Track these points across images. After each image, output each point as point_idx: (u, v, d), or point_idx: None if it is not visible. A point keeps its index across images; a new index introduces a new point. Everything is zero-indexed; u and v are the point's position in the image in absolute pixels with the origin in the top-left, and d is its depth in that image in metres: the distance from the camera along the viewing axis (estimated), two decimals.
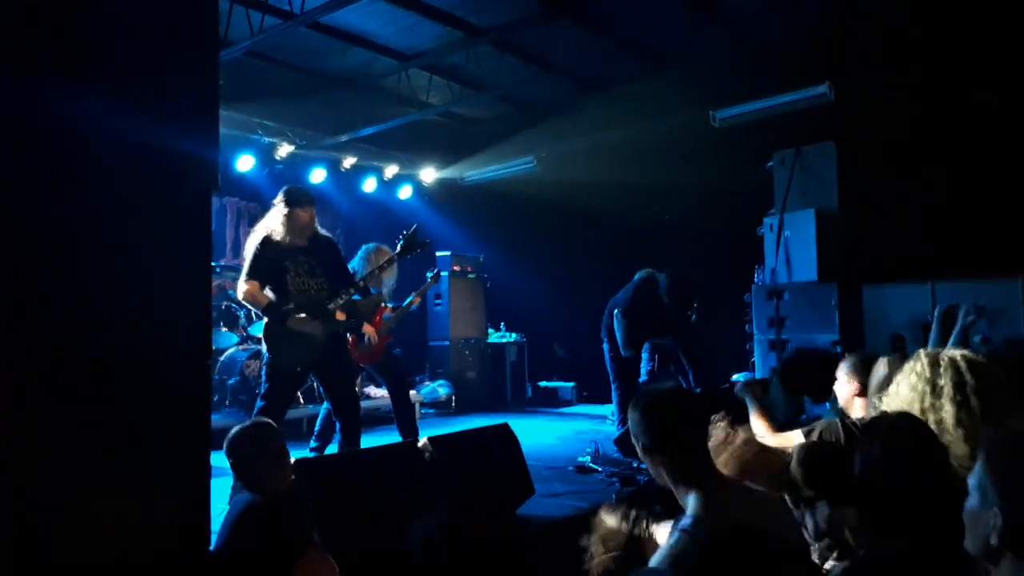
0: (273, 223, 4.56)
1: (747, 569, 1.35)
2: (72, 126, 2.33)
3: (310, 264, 4.61)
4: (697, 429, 1.99)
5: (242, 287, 4.54)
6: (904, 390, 2.27)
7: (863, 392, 2.97)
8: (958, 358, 2.22)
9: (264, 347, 4.61)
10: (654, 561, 1.74)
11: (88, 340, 2.37)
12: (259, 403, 4.54)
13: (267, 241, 4.55)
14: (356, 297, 4.75)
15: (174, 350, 2.65)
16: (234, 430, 2.86)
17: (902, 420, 1.92)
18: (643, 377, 6.96)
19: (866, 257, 7.59)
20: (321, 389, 5.14)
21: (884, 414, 2.11)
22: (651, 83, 8.25)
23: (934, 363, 2.24)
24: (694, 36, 7.37)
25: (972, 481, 1.33)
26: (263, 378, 4.61)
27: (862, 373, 3.01)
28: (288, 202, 4.55)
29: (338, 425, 4.74)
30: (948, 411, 2.11)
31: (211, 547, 2.70)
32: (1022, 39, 6.70)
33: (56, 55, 2.36)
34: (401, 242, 4.90)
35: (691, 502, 1.88)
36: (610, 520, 2.16)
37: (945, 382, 2.17)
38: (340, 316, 4.72)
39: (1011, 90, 7.14)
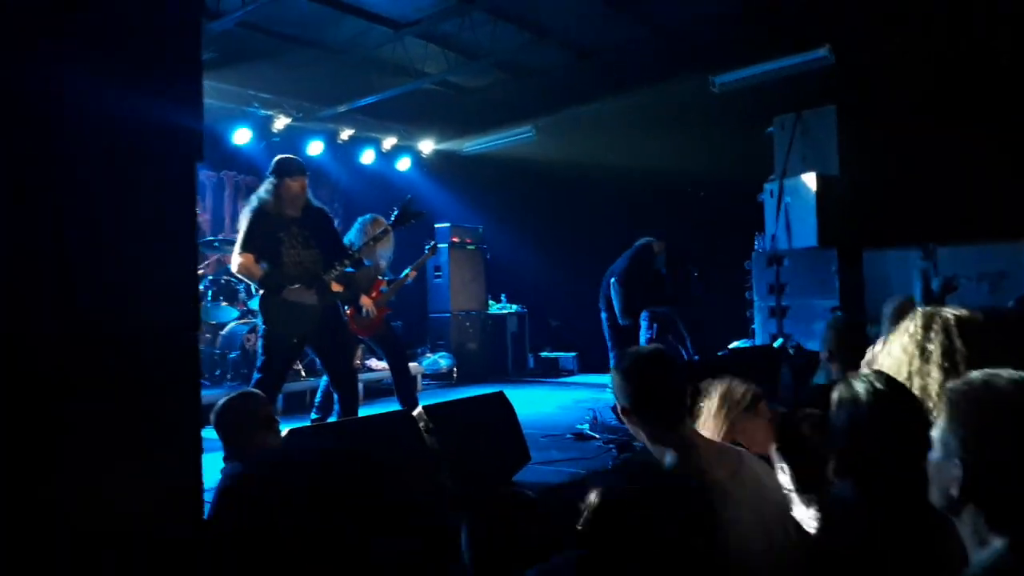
0: (265, 194, 4.54)
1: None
2: (45, 96, 2.29)
3: (304, 235, 4.58)
4: (675, 392, 1.99)
5: (236, 260, 4.53)
6: (896, 350, 2.23)
7: None
8: (951, 321, 2.14)
9: (260, 319, 4.61)
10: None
11: (70, 315, 2.35)
12: (256, 375, 4.55)
13: (260, 213, 4.52)
14: (351, 270, 4.73)
15: (161, 323, 2.63)
16: (221, 401, 2.86)
17: (877, 381, 1.90)
18: (642, 344, 6.97)
19: (867, 222, 7.54)
20: (318, 361, 5.14)
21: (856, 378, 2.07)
22: (649, 48, 8.15)
23: (927, 325, 2.18)
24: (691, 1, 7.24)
25: (935, 434, 1.32)
26: (259, 350, 4.62)
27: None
28: (279, 173, 4.52)
29: (336, 397, 4.75)
30: (935, 378, 2.06)
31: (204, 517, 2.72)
32: None
33: (25, 23, 2.32)
34: (395, 213, 4.87)
35: (668, 463, 1.89)
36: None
37: (934, 347, 2.12)
38: (336, 287, 4.72)
39: (1013, 49, 7.03)
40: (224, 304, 7.59)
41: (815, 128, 7.74)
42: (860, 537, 1.71)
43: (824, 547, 1.86)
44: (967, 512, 1.27)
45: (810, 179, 7.35)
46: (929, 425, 1.41)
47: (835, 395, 1.90)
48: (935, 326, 2.14)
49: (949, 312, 2.18)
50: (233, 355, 7.21)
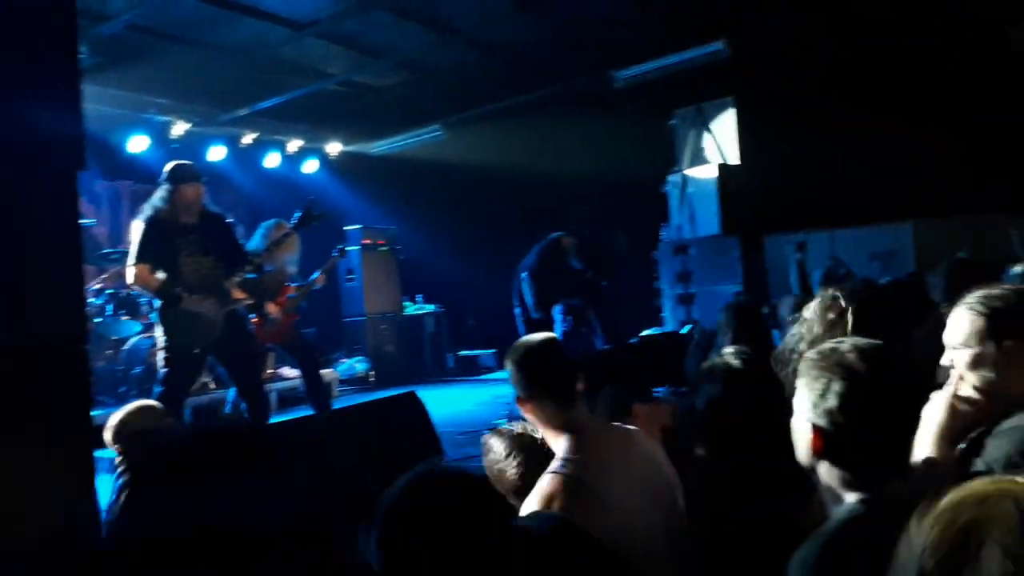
0: (159, 202, 4.42)
1: None
2: None
3: (202, 242, 4.48)
4: (565, 376, 2.03)
5: (130, 272, 4.40)
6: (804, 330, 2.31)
7: None
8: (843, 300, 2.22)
9: (160, 331, 4.47)
10: (528, 505, 1.77)
11: None
12: (156, 388, 4.41)
13: (154, 221, 4.40)
14: (253, 276, 4.62)
15: (46, 337, 2.52)
16: (116, 415, 2.76)
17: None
18: (559, 338, 7.04)
19: (767, 209, 7.83)
20: (224, 371, 5.00)
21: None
22: (552, 46, 8.24)
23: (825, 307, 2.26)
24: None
25: (795, 398, 1.39)
26: (161, 363, 4.47)
27: None
28: (173, 179, 4.41)
29: (243, 408, 4.63)
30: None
31: (101, 536, 2.61)
32: None
33: None
34: (297, 215, 4.78)
35: (562, 446, 1.91)
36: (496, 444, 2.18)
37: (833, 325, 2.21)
38: (239, 295, 4.60)
39: (903, 36, 7.42)
40: (125, 318, 7.29)
41: (715, 120, 7.98)
42: (724, 501, 1.81)
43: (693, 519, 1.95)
44: (821, 470, 1.34)
45: (711, 170, 7.58)
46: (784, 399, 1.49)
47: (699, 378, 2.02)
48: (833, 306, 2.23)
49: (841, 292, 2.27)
50: (136, 371, 6.94)
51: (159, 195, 4.44)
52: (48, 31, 2.76)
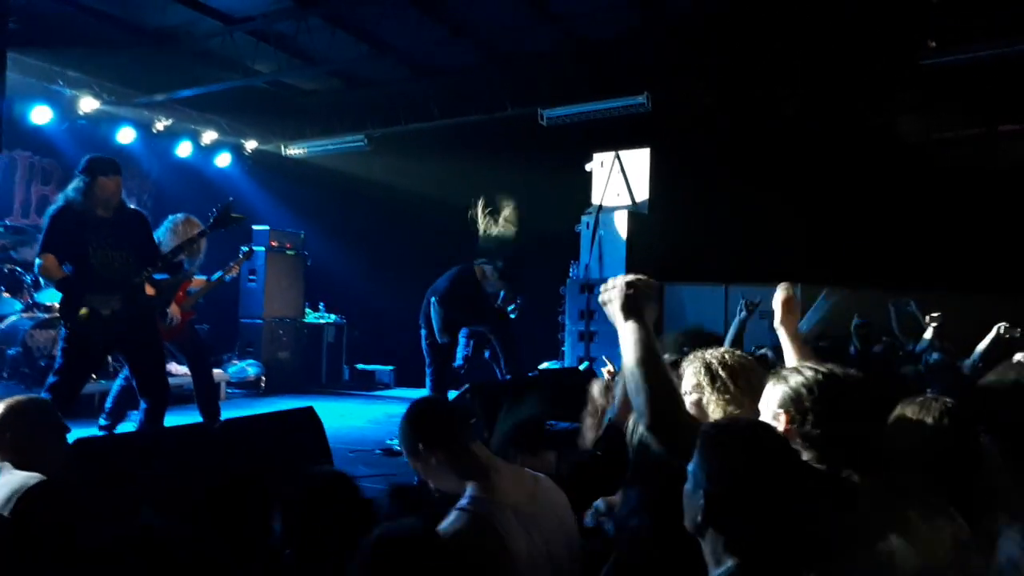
0: (73, 193, 4.32)
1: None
2: None
3: (115, 236, 4.36)
4: (466, 425, 2.11)
5: (37, 262, 4.31)
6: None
7: None
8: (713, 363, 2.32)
9: (62, 323, 4.38)
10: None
11: None
12: (51, 378, 4.28)
13: (65, 212, 4.30)
14: (163, 276, 4.53)
15: None
16: (3, 405, 2.65)
17: None
18: (458, 362, 7.10)
19: (670, 258, 8.16)
20: (127, 368, 4.86)
21: None
22: (484, 75, 8.40)
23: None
24: (526, 33, 7.56)
25: (689, 467, 1.52)
26: (59, 353, 4.37)
27: None
28: (91, 171, 4.31)
29: (143, 405, 4.49)
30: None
31: None
32: (822, 64, 7.46)
33: None
34: (214, 215, 4.69)
35: (468, 490, 1.98)
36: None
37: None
38: (149, 291, 4.49)
39: (808, 110, 7.97)
40: (5, 295, 6.91)
41: (631, 167, 8.28)
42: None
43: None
44: (708, 536, 1.46)
45: (622, 215, 7.85)
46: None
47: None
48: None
49: (712, 352, 2.35)
50: (12, 351, 6.56)
51: (74, 185, 4.35)
52: None
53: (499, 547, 1.82)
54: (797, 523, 1.44)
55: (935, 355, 4.41)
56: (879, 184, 8.32)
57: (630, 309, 1.75)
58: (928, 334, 4.86)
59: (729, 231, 8.30)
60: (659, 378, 1.71)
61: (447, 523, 1.88)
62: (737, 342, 4.34)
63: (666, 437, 1.71)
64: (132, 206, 4.62)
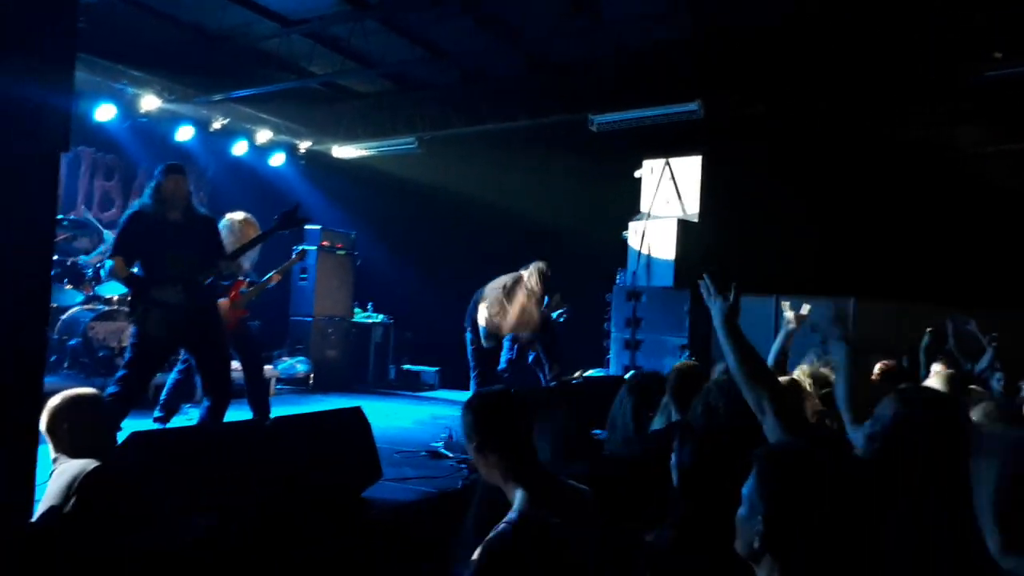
0: (146, 198, 4.63)
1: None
2: None
3: (183, 238, 4.60)
4: (525, 429, 2.09)
5: (108, 263, 4.64)
6: None
7: None
8: None
9: (132, 320, 4.64)
10: (476, 555, 1.84)
11: None
12: (121, 371, 4.54)
13: (137, 216, 4.60)
14: (226, 283, 4.72)
15: (7, 319, 2.49)
16: (58, 397, 2.74)
17: None
18: (502, 365, 7.12)
19: (719, 267, 8.06)
20: (194, 364, 5.06)
21: None
22: (534, 80, 8.41)
23: None
24: (577, 39, 7.55)
25: (744, 491, 1.50)
26: (128, 348, 4.62)
27: None
28: (160, 175, 4.59)
29: (206, 403, 4.67)
30: None
31: (33, 518, 2.58)
32: (876, 74, 7.31)
33: None
34: (278, 218, 4.82)
35: (518, 497, 1.98)
36: None
37: None
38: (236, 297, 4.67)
39: (861, 120, 7.81)
40: (68, 287, 7.13)
41: (681, 175, 8.20)
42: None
43: None
44: (765, 562, 1.44)
45: (671, 223, 7.78)
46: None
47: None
48: None
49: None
50: (73, 342, 6.78)
51: (147, 191, 4.66)
52: (49, 5, 2.73)
53: (543, 562, 1.81)
54: (856, 547, 1.41)
55: (997, 375, 4.28)
56: (934, 196, 8.11)
57: None
58: (988, 354, 4.72)
59: (780, 241, 8.17)
60: None
61: (494, 535, 1.88)
62: (782, 354, 4.22)
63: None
64: (203, 211, 4.85)
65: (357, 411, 3.83)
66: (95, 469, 2.64)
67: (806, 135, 8.05)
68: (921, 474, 1.74)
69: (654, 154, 8.25)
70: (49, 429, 2.78)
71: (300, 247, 6.54)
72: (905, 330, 6.18)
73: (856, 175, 7.99)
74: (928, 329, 4.87)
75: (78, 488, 2.59)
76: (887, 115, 7.83)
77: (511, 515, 1.94)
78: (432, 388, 9.69)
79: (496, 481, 2.07)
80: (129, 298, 4.71)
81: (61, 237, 7.66)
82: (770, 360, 4.22)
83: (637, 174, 8.21)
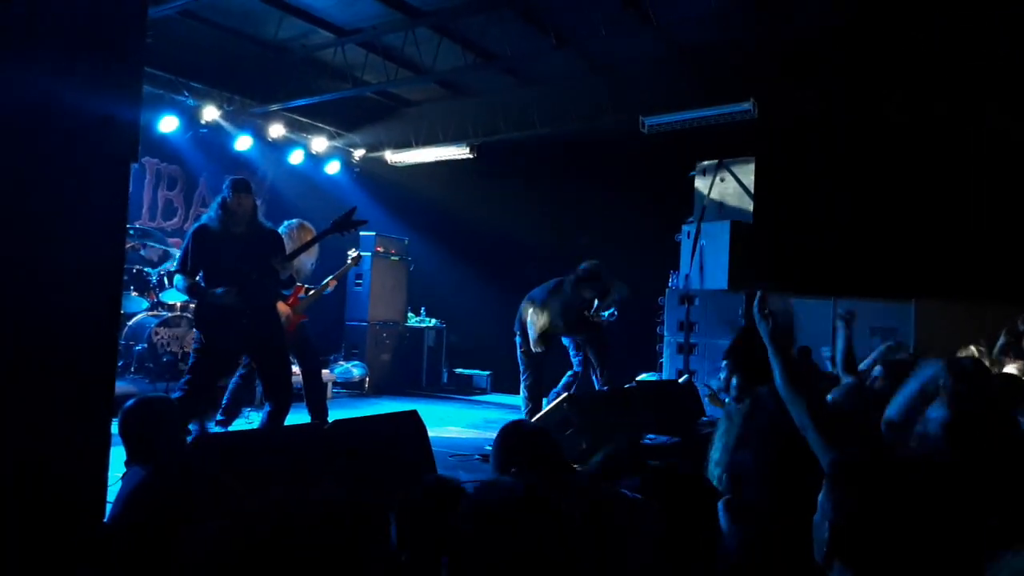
0: (212, 212, 4.75)
1: None
2: None
3: (246, 250, 4.68)
4: (552, 454, 2.18)
5: (177, 278, 4.79)
6: None
7: None
8: None
9: (196, 327, 4.81)
10: None
11: None
12: (185, 376, 4.66)
13: (200, 231, 4.72)
14: (287, 292, 4.82)
15: (82, 322, 2.59)
16: (129, 402, 2.84)
17: None
18: (576, 369, 7.06)
19: (775, 270, 7.93)
20: (256, 369, 5.18)
21: None
22: (586, 84, 8.40)
23: None
24: (628, 40, 7.51)
25: (820, 497, 1.48)
26: (192, 354, 4.75)
27: None
28: (226, 191, 4.70)
29: (267, 407, 4.74)
30: None
31: (105, 519, 2.68)
32: (932, 70, 7.11)
33: None
34: (334, 220, 4.92)
35: None
36: None
37: None
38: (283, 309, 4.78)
39: (920, 119, 7.58)
40: (134, 294, 7.38)
41: (734, 177, 8.10)
42: None
43: None
44: (836, 568, 1.42)
45: (725, 224, 7.69)
46: None
47: None
48: None
49: None
50: (139, 348, 7.01)
51: (213, 205, 4.80)
52: (121, 19, 2.84)
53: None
54: (926, 558, 1.38)
55: None
56: (1001, 192, 7.83)
57: None
58: None
59: (837, 242, 7.98)
60: None
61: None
62: (850, 354, 4.14)
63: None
64: (268, 225, 4.96)
65: (413, 414, 3.87)
66: (160, 473, 2.72)
67: (864, 132, 7.86)
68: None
69: (708, 156, 8.17)
70: (123, 432, 2.88)
71: (356, 252, 6.64)
72: (968, 331, 6.00)
73: (916, 172, 7.75)
74: (1005, 329, 4.72)
75: (145, 490, 2.68)
76: (952, 109, 7.59)
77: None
78: (484, 392, 9.74)
79: None
80: (192, 305, 4.81)
81: (128, 246, 7.93)
82: (839, 358, 4.18)
83: (691, 175, 8.14)
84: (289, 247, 5.25)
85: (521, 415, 6.96)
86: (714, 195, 8.01)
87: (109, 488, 2.75)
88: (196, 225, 4.81)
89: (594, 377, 7.11)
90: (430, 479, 2.24)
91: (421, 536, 1.92)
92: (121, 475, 2.89)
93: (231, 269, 4.61)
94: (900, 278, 7.58)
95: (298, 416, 5.53)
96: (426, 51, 7.97)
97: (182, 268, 4.70)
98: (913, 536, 1.38)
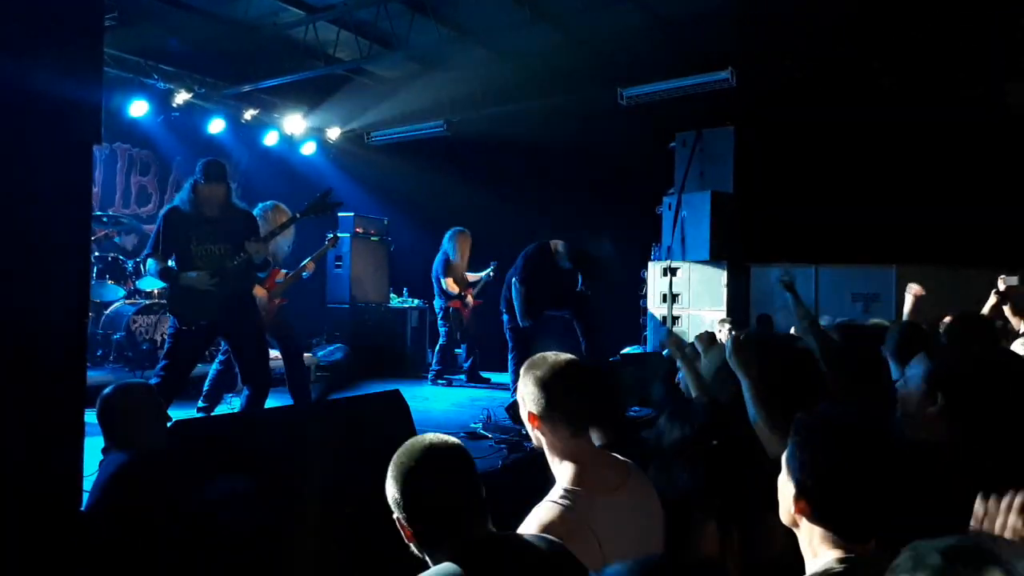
0: (184, 194, 4.67)
1: None
2: None
3: (217, 232, 4.64)
4: (582, 401, 2.00)
5: (149, 262, 4.73)
6: None
7: None
8: None
9: (168, 309, 4.81)
10: (524, 528, 1.82)
11: None
12: (162, 361, 4.65)
13: (171, 214, 4.66)
14: (262, 274, 4.76)
15: (48, 309, 2.53)
16: (108, 389, 2.79)
17: None
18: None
19: (756, 239, 7.94)
20: (231, 352, 5.08)
21: None
22: (562, 57, 8.31)
23: None
24: (605, 11, 7.42)
25: (783, 456, 1.46)
26: (167, 340, 4.74)
27: None
28: (200, 176, 4.62)
29: (246, 391, 4.73)
30: None
31: (82, 507, 2.64)
32: (912, 36, 7.08)
33: None
34: (308, 203, 4.85)
35: (565, 474, 1.94)
36: None
37: None
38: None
39: (904, 83, 7.57)
40: (110, 283, 7.27)
41: (714, 146, 8.08)
42: None
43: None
44: (803, 527, 1.41)
45: (705, 195, 7.67)
46: None
47: None
48: None
49: None
50: (117, 336, 6.92)
51: (185, 187, 4.70)
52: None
53: (591, 544, 1.78)
54: (894, 515, 1.38)
55: None
56: (981, 158, 7.85)
57: None
58: None
59: (818, 210, 7.99)
60: None
61: (537, 514, 1.85)
62: (804, 313, 3.97)
63: None
64: (243, 207, 4.90)
65: (396, 394, 3.84)
66: (139, 458, 2.68)
67: (844, 100, 7.83)
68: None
69: (686, 127, 8.13)
70: (101, 419, 2.83)
71: (332, 234, 6.56)
72: (950, 295, 6.02)
73: (897, 139, 7.76)
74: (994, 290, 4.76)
75: (124, 476, 2.64)
76: (933, 75, 7.57)
77: (555, 492, 1.90)
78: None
79: (546, 451, 2.00)
80: (166, 292, 4.80)
81: (102, 233, 7.81)
82: (796, 323, 4.02)
83: (670, 146, 8.10)
84: (264, 229, 5.16)
85: (508, 394, 6.95)
86: (694, 166, 7.99)
87: (86, 478, 2.71)
88: (167, 208, 4.74)
89: (579, 352, 7.10)
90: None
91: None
92: (100, 462, 2.84)
93: (204, 253, 4.55)
94: (881, 244, 7.61)
95: (283, 401, 5.48)
96: (399, 26, 7.83)
97: (154, 251, 4.64)
98: (879, 493, 1.38)
